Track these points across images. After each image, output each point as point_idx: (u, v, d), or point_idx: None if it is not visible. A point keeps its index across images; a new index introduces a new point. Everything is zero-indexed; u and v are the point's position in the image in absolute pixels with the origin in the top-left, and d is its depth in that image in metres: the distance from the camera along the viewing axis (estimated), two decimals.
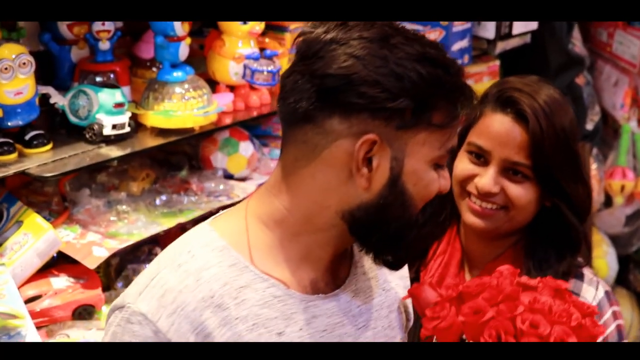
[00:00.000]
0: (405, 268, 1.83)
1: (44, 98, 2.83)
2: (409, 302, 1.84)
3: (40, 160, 2.69)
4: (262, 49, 3.11)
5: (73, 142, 2.80)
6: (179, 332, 1.55)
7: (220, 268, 1.60)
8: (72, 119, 2.83)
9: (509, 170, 2.08)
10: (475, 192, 2.11)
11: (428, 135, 1.57)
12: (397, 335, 1.79)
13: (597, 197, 4.37)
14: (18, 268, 2.62)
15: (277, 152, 3.27)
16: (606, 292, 2.13)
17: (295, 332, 1.62)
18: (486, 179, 2.08)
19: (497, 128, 2.08)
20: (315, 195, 1.60)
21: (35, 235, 2.67)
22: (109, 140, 2.80)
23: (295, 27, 3.21)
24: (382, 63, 1.53)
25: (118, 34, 2.96)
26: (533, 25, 3.82)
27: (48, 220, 2.79)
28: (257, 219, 1.64)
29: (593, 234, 4.24)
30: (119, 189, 3.02)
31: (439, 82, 1.55)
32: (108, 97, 2.80)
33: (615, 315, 2.12)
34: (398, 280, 1.83)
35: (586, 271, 2.16)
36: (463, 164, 2.13)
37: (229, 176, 3.17)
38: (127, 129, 2.83)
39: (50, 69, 3.01)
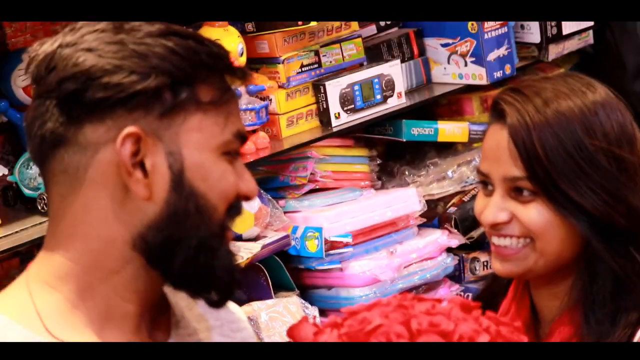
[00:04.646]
0: (250, 329, 1.60)
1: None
2: None
3: None
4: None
5: (27, 217, 2.55)
6: None
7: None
8: (26, 191, 2.59)
9: (513, 191, 1.71)
10: (488, 230, 1.74)
11: (202, 118, 1.38)
12: None
13: None
14: None
15: (294, 203, 2.92)
16: None
17: None
18: (489, 208, 1.72)
19: (489, 142, 1.74)
20: (96, 229, 1.38)
21: None
22: None
23: (286, 56, 2.88)
24: (119, 47, 1.36)
25: None
26: (588, 22, 3.33)
27: None
28: (40, 282, 1.41)
29: None
30: None
31: (192, 51, 1.37)
32: None
33: None
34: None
35: None
36: (476, 200, 1.79)
37: (237, 237, 2.75)
38: None
39: (19, 140, 2.73)
